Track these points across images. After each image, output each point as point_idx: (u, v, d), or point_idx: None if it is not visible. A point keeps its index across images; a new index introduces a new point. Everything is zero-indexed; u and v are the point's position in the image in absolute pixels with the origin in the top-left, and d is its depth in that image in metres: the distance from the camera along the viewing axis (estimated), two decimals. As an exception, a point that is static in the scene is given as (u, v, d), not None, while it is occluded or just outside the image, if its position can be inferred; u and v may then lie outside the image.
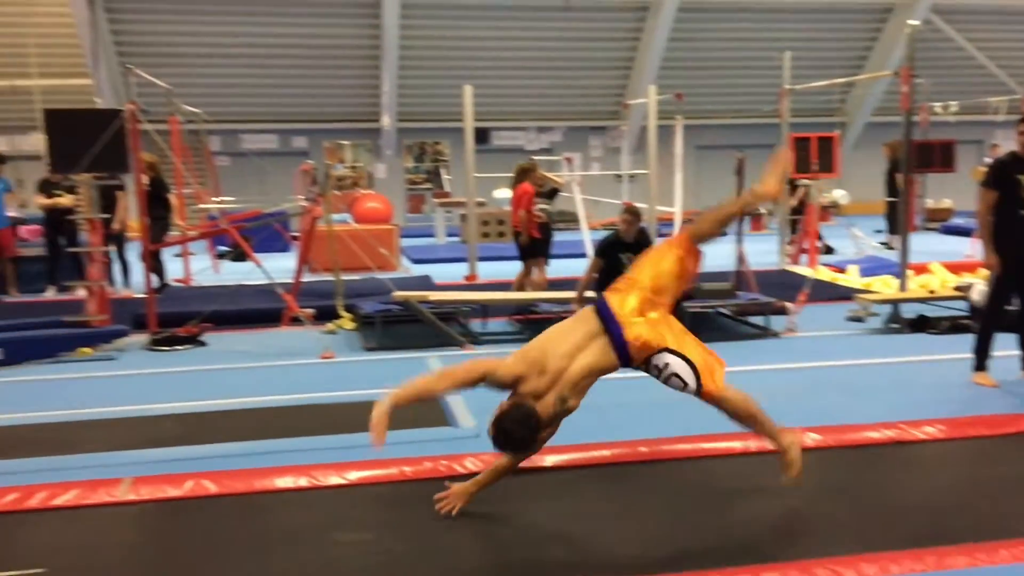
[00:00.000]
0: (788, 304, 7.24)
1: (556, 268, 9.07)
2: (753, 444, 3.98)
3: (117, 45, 16.03)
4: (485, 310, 7.58)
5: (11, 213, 10.05)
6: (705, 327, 6.76)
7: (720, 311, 7.41)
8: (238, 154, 17.45)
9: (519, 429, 3.23)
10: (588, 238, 10.22)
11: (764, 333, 7.05)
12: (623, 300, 3.42)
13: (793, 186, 11.44)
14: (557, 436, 3.49)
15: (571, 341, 3.36)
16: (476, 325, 7.38)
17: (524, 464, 3.58)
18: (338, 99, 17.91)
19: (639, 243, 6.54)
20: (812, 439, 4.19)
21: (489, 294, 7.94)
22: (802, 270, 10.06)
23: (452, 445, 4.37)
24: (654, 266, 3.52)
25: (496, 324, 7.60)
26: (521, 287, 8.36)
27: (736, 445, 4.12)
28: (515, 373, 3.29)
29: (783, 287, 8.21)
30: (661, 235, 9.27)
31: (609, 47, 17.82)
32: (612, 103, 18.50)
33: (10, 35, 15.46)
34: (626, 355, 3.36)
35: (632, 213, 6.74)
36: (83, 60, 15.72)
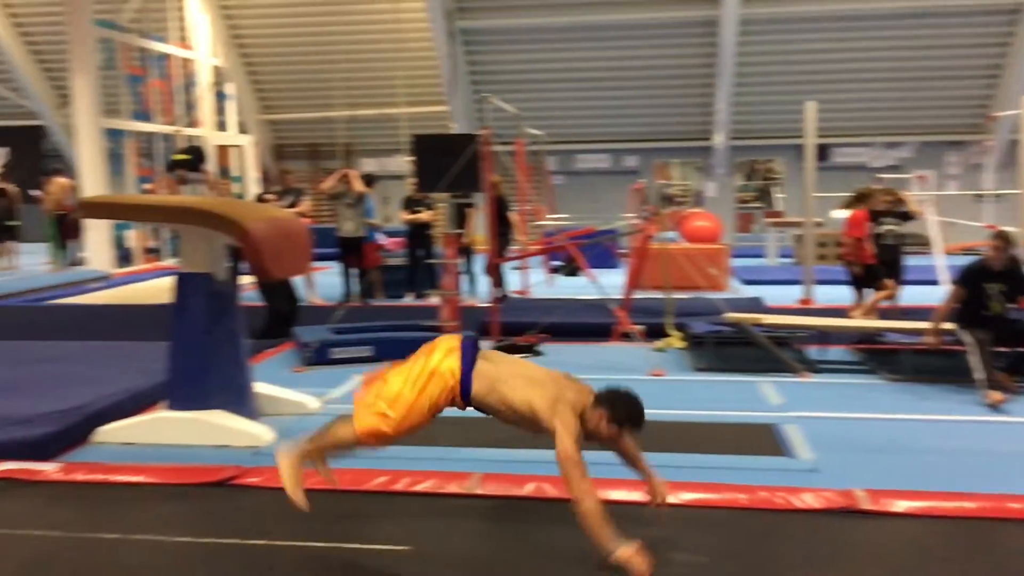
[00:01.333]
0: None
1: (908, 295, 8.37)
2: None
3: (472, 74, 17.51)
4: (823, 337, 7.18)
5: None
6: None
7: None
8: (572, 173, 18.24)
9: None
10: (942, 263, 9.31)
11: None
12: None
13: None
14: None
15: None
16: (812, 352, 7.01)
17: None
18: (670, 118, 18.03)
19: (1009, 273, 5.82)
20: None
21: (829, 320, 7.51)
22: None
23: (788, 477, 4.18)
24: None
25: (835, 352, 7.16)
26: (866, 315, 7.85)
27: None
28: (581, 406, 3.23)
29: None
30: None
31: (972, 54, 16.13)
32: (973, 115, 16.73)
33: (383, 69, 17.51)
34: None
35: (1002, 239, 6.01)
36: (442, 89, 17.36)
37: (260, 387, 5.46)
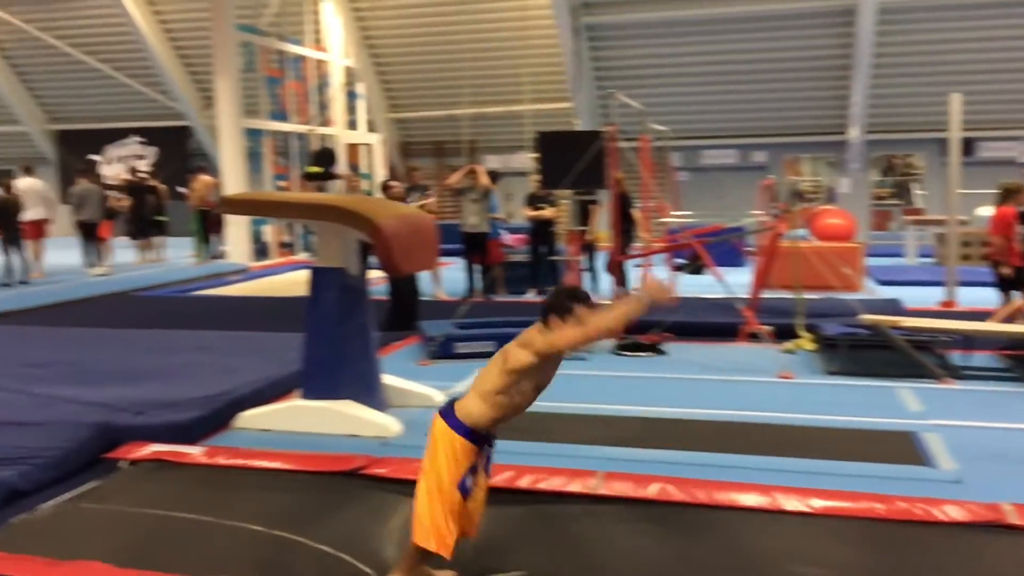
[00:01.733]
0: None
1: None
2: None
3: (596, 70, 17.43)
4: (968, 341, 6.79)
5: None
6: None
7: None
8: (698, 169, 17.89)
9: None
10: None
11: None
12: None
13: None
14: None
15: None
16: (955, 357, 6.64)
17: None
18: (802, 112, 17.43)
19: None
20: None
21: (973, 324, 7.08)
22: None
23: (929, 487, 3.97)
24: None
25: (980, 358, 6.76)
26: (1009, 319, 7.36)
27: None
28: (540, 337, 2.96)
29: None
30: None
31: None
32: None
33: (509, 67, 17.67)
34: None
35: None
36: (566, 86, 17.36)
37: (388, 379, 5.61)
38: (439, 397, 5.62)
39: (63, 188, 19.39)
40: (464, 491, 2.92)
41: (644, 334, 7.40)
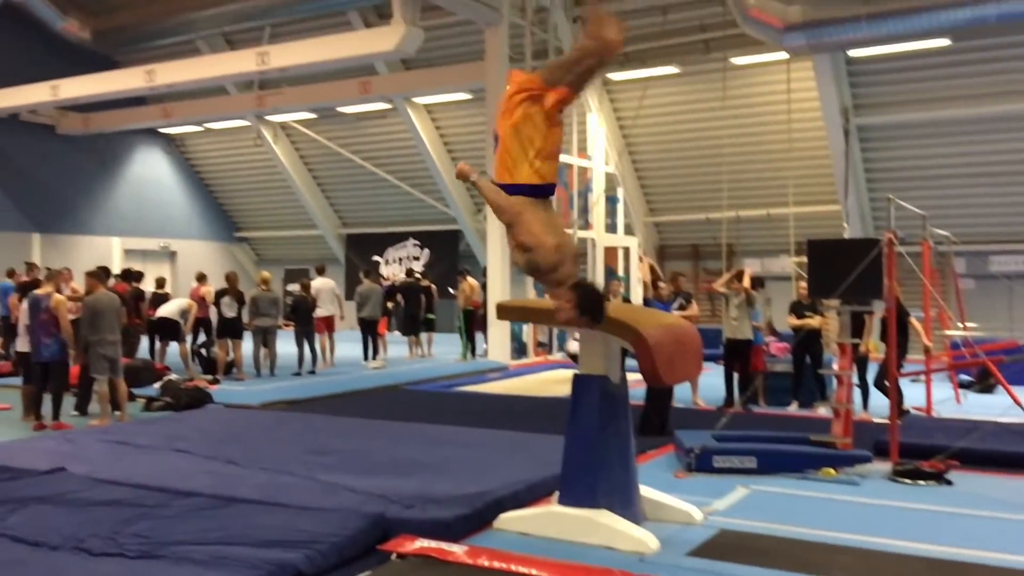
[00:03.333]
0: None
1: None
2: None
3: (867, 172, 16.65)
4: None
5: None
6: None
7: None
8: (985, 277, 16.34)
9: None
10: None
11: None
12: None
13: None
14: None
15: None
16: None
17: None
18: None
19: None
20: None
21: None
22: None
23: None
24: None
25: None
26: None
27: None
28: None
29: None
30: None
31: None
32: None
33: (772, 169, 17.34)
34: None
35: None
36: (833, 188, 16.71)
37: (644, 490, 5.51)
38: (698, 516, 5.42)
39: (348, 286, 21.40)
40: None
41: (927, 460, 6.73)
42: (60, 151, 21.65)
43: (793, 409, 10.16)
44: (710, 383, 10.61)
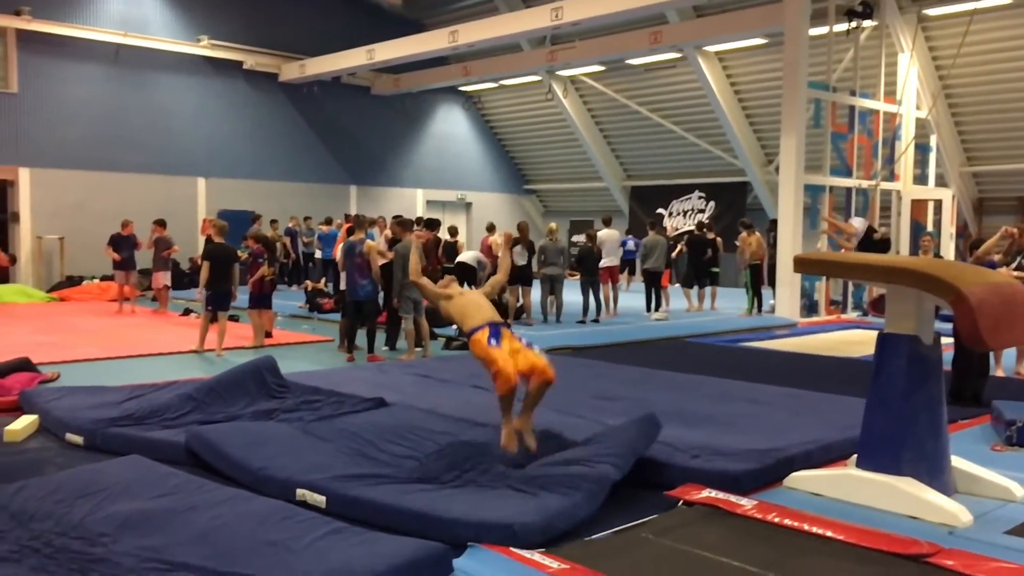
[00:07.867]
0: None
1: None
2: None
3: None
4: None
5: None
6: None
7: None
8: None
9: None
10: None
11: None
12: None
13: None
14: None
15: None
16: None
17: None
18: None
19: None
20: None
21: None
22: None
23: None
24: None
25: None
26: None
27: None
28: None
29: None
30: None
31: None
32: None
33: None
34: None
35: None
36: None
37: (957, 461, 5.05)
38: (1019, 492, 4.89)
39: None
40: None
41: None
42: (373, 110, 23.68)
43: None
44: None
